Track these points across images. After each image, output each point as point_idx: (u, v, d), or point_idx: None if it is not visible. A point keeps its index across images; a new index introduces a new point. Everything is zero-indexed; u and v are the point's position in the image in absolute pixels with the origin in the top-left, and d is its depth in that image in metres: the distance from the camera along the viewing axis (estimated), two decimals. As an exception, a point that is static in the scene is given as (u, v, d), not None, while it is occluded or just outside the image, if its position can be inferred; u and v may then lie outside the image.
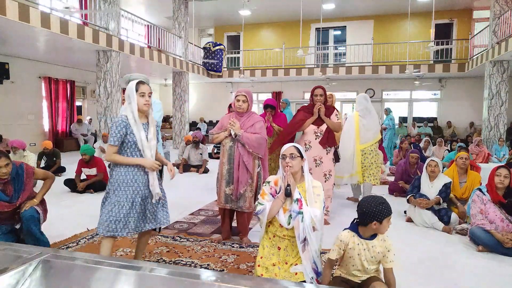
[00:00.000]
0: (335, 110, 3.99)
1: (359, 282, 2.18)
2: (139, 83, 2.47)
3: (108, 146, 2.43)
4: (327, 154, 3.89)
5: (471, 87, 13.98)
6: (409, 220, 4.18)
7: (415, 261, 2.99)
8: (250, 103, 3.27)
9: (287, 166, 2.28)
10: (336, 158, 4.08)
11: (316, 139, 3.88)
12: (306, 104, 4.11)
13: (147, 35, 12.96)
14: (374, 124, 4.73)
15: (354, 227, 2.16)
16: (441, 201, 3.97)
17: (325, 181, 3.84)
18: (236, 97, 3.26)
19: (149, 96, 2.47)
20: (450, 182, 4.06)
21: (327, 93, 4.12)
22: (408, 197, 4.17)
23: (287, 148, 2.34)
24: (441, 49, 13.54)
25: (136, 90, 2.44)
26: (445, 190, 4.00)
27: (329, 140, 3.84)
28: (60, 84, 11.56)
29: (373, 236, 2.12)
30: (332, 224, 3.89)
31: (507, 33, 9.22)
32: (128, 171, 2.43)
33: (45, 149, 6.73)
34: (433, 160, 4.10)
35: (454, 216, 3.90)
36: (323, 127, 3.87)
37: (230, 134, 3.20)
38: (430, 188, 4.06)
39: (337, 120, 3.93)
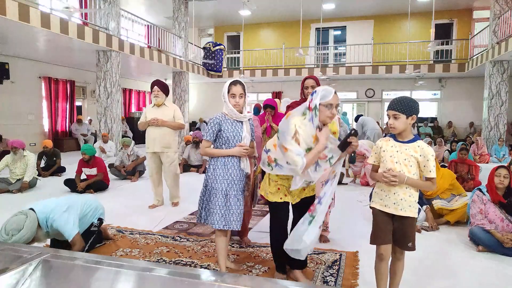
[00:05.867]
0: None
1: (394, 214, 2.11)
2: (232, 84, 2.49)
3: (203, 140, 2.57)
4: None
5: (471, 87, 13.99)
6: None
7: (415, 261, 2.99)
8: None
9: (331, 116, 2.22)
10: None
11: None
12: (297, 100, 3.51)
13: (147, 35, 12.97)
14: None
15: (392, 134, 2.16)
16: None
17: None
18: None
19: (240, 97, 2.49)
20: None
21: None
22: (370, 202, 4.15)
23: (333, 96, 2.20)
24: (441, 49, 13.55)
25: (228, 91, 2.49)
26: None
27: None
28: (60, 84, 11.57)
29: (410, 141, 2.08)
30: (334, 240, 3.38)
31: (507, 33, 9.22)
32: (223, 165, 2.51)
33: (45, 147, 6.73)
34: None
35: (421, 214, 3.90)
36: None
37: None
38: None
39: None
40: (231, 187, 2.50)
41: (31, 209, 2.71)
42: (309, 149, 2.21)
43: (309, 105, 2.22)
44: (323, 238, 3.25)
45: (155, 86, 4.33)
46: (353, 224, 3.95)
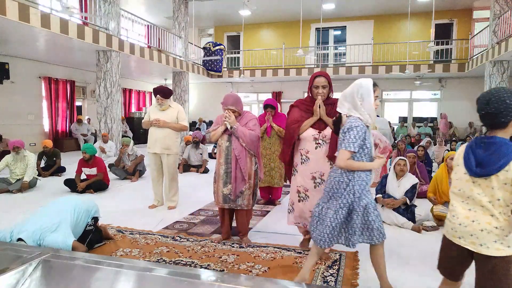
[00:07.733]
0: None
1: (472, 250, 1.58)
2: (375, 84, 2.29)
3: (344, 151, 2.20)
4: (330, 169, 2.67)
5: (471, 87, 13.98)
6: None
7: (415, 261, 2.99)
8: (240, 110, 3.29)
9: None
10: None
11: (316, 148, 2.83)
12: (303, 98, 3.10)
13: (147, 35, 12.97)
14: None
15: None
16: (408, 201, 3.97)
17: None
18: (224, 109, 3.26)
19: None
20: (417, 183, 4.09)
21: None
22: (376, 196, 4.17)
23: None
24: (441, 49, 13.55)
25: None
26: (411, 190, 4.02)
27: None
28: (60, 84, 11.56)
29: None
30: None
31: (507, 33, 9.22)
32: (366, 182, 2.26)
33: (45, 147, 6.73)
34: (402, 159, 4.15)
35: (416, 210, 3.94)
36: (327, 131, 2.80)
37: (227, 128, 3.22)
38: (397, 187, 4.09)
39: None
40: (358, 203, 2.23)
41: (20, 239, 2.68)
42: None
43: None
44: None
45: (158, 95, 4.34)
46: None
